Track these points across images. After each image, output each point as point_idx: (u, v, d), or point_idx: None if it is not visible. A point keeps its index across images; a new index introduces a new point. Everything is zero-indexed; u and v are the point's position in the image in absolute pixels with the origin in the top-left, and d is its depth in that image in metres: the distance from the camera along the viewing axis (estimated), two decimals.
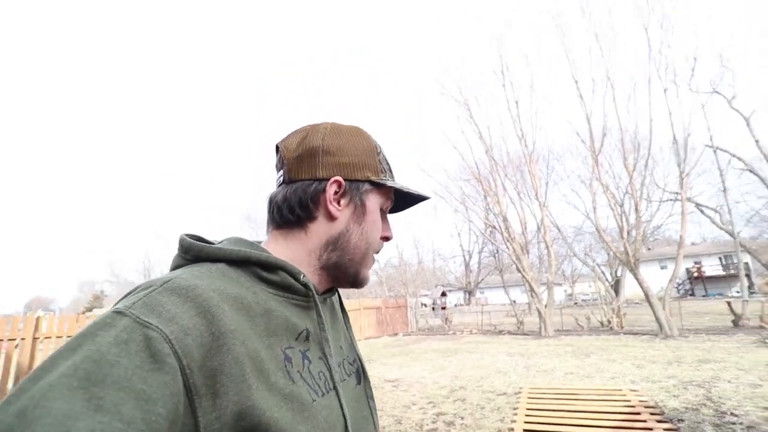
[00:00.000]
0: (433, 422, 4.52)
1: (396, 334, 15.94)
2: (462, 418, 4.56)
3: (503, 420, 4.37)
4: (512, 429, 3.98)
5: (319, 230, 0.58)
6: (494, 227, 13.61)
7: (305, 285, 0.54)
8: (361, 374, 0.63)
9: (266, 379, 0.43)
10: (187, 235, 0.54)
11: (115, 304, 0.41)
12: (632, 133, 11.63)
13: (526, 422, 4.08)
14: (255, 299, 0.48)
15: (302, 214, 0.58)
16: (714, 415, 3.98)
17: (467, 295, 37.73)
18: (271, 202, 0.60)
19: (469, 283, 36.44)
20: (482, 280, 36.53)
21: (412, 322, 17.67)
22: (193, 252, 0.52)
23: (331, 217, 0.58)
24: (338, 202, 0.58)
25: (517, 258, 12.76)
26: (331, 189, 0.57)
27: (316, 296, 0.55)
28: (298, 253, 0.58)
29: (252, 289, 0.49)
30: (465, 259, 37.41)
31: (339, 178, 0.58)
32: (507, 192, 13.75)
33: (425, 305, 23.99)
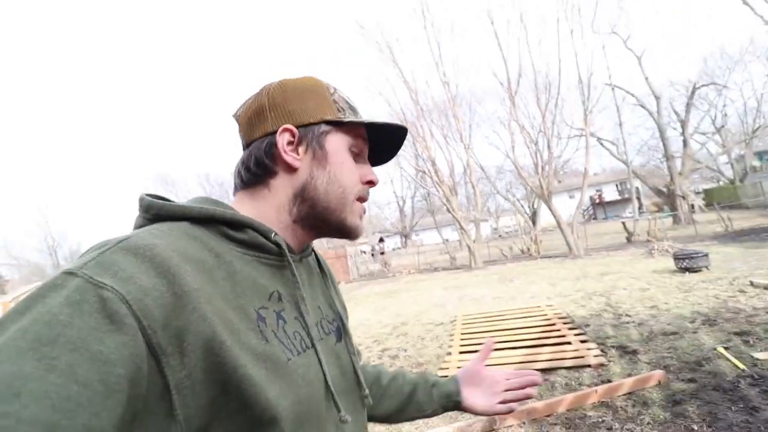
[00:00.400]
0: (379, 358, 4.84)
1: (338, 283, 16.27)
2: (405, 351, 4.94)
3: (441, 347, 4.81)
4: (449, 353, 4.40)
5: (283, 184, 0.56)
6: (424, 172, 14.00)
7: (277, 244, 0.52)
8: (341, 332, 0.62)
9: (237, 339, 0.41)
10: (147, 194, 0.50)
11: (66, 266, 0.38)
12: (544, 74, 12.29)
13: (461, 346, 4.53)
14: (218, 261, 0.45)
15: (260, 171, 0.55)
16: (613, 318, 4.73)
17: (404, 239, 39.29)
18: (234, 169, 0.58)
19: (405, 227, 37.84)
20: (416, 223, 38.10)
21: (352, 270, 18.14)
22: (154, 210, 0.48)
23: (290, 168, 0.55)
24: (296, 151, 0.55)
25: (446, 199, 13.39)
26: (282, 138, 0.54)
27: (289, 255, 0.53)
28: (264, 211, 0.55)
29: (216, 249, 0.46)
30: (399, 204, 38.47)
31: (289, 125, 0.55)
32: (434, 137, 14.07)
33: (365, 252, 24.62)
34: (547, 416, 2.69)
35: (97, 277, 0.35)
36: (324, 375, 0.51)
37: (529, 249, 13.95)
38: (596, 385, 3.00)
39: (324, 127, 0.57)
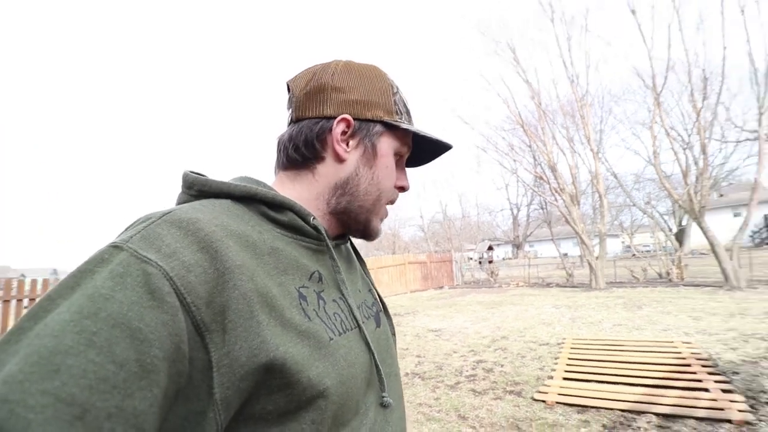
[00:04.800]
0: (473, 369, 4.66)
1: (441, 288, 16.21)
2: (501, 366, 4.66)
3: (543, 368, 4.41)
4: (551, 377, 4.01)
5: (327, 172, 0.55)
6: (542, 178, 12.96)
7: (315, 228, 0.52)
8: (380, 318, 0.62)
9: (280, 315, 0.41)
10: (191, 171, 0.51)
11: (113, 239, 0.39)
12: (701, 66, 10.25)
13: (566, 371, 4.08)
14: (261, 237, 0.46)
15: (308, 153, 0.55)
16: None
17: (515, 249, 37.08)
18: (279, 142, 0.58)
19: (517, 236, 35.66)
20: (531, 233, 35.57)
21: (457, 275, 17.80)
22: (197, 186, 0.49)
23: (339, 159, 0.55)
24: (347, 143, 0.55)
25: (566, 209, 12.19)
26: (338, 128, 0.54)
27: (329, 240, 0.53)
28: (305, 195, 0.55)
29: (258, 227, 0.47)
30: (512, 212, 36.42)
31: (347, 116, 0.54)
32: (556, 140, 12.91)
33: (472, 259, 23.97)
34: None
35: (141, 251, 0.35)
36: (372, 354, 0.51)
37: (669, 273, 11.85)
38: None
39: (379, 127, 0.57)
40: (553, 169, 12.53)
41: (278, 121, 0.63)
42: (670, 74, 10.86)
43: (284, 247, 0.48)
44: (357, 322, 0.51)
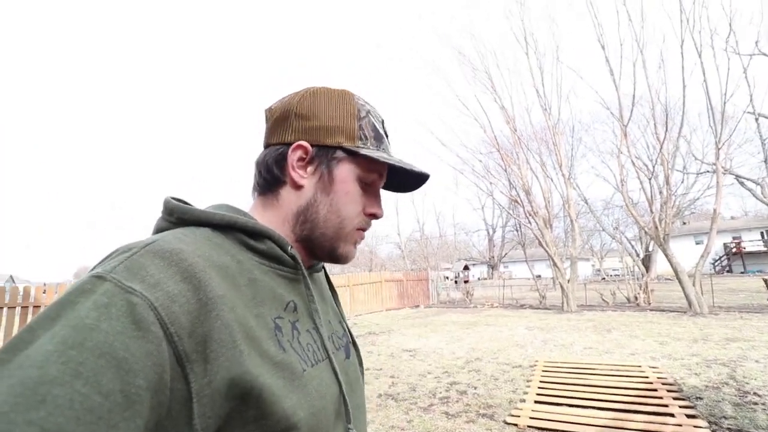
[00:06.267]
0: (447, 390, 4.62)
1: (417, 306, 16.17)
2: (475, 388, 4.64)
3: (515, 391, 4.42)
4: (524, 400, 4.02)
5: (289, 199, 0.56)
6: (517, 201, 13.29)
7: (293, 257, 0.52)
8: (349, 349, 0.62)
9: (257, 346, 0.41)
10: (171, 197, 0.52)
11: (92, 269, 0.38)
12: (663, 101, 10.89)
13: (538, 394, 4.11)
14: (240, 268, 0.46)
15: (270, 179, 0.56)
16: (735, 395, 3.88)
17: (491, 269, 37.55)
18: (255, 166, 0.59)
19: (493, 257, 36.19)
20: (506, 254, 36.20)
21: (433, 294, 17.82)
22: (177, 214, 0.49)
23: (295, 186, 0.55)
24: (304, 170, 0.55)
25: (540, 232, 12.50)
26: (294, 154, 0.54)
27: (304, 269, 0.53)
28: (274, 221, 0.56)
29: (237, 257, 0.47)
30: (488, 233, 37.03)
31: (303, 142, 0.54)
32: (530, 165, 13.33)
33: (448, 278, 24.07)
34: None
35: (126, 282, 0.35)
36: (340, 386, 0.51)
37: (636, 298, 12.24)
38: None
39: (339, 153, 0.55)
40: (528, 193, 12.89)
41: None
42: (636, 108, 11.49)
43: (262, 277, 0.48)
44: (327, 353, 0.52)
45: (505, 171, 13.65)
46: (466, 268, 27.33)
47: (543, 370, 4.95)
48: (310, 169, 0.55)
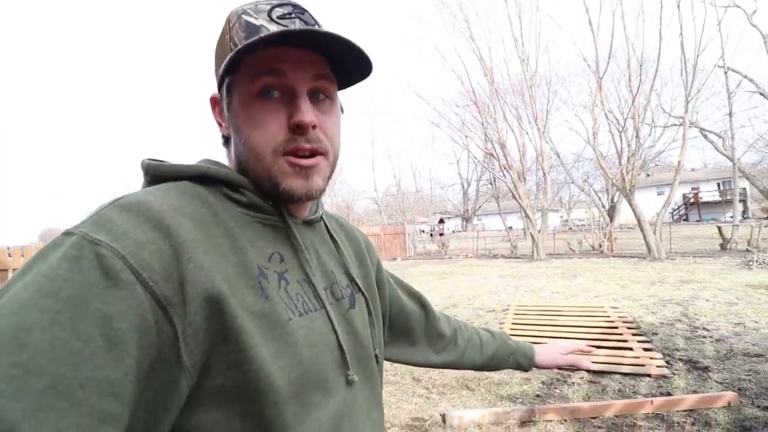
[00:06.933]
0: None
1: (394, 259, 16.58)
2: None
3: None
4: None
5: (230, 152, 0.55)
6: (492, 155, 13.43)
7: (275, 206, 0.51)
8: (354, 299, 0.59)
9: (235, 295, 0.41)
10: (148, 158, 0.50)
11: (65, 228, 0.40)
12: (639, 54, 10.94)
13: (510, 335, 4.40)
14: (216, 218, 0.45)
15: (221, 137, 0.56)
16: (687, 330, 4.28)
17: (465, 222, 38.54)
18: None
19: (467, 210, 37.02)
20: (480, 207, 37.06)
21: (410, 247, 18.26)
22: (152, 172, 0.49)
23: (227, 139, 0.55)
24: (222, 118, 0.54)
25: (513, 185, 12.80)
26: (213, 109, 0.55)
27: (288, 218, 0.52)
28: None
29: (215, 207, 0.46)
30: (463, 187, 37.59)
31: (213, 93, 0.54)
32: (506, 119, 13.37)
33: (424, 231, 24.61)
34: (593, 418, 2.55)
35: (93, 234, 0.36)
36: (336, 335, 0.50)
37: (600, 245, 12.97)
38: (654, 396, 2.77)
39: (226, 80, 0.50)
40: (503, 146, 13.01)
41: None
42: (612, 60, 11.52)
43: (243, 227, 0.47)
44: (322, 302, 0.50)
45: (482, 124, 13.66)
46: (441, 221, 27.94)
47: (515, 314, 5.28)
48: (225, 115, 0.53)
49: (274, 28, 0.46)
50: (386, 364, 3.92)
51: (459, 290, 7.87)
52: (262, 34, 0.45)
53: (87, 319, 0.32)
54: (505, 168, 13.04)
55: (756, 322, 4.34)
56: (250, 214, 0.49)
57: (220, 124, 0.54)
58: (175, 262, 0.38)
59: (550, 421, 2.57)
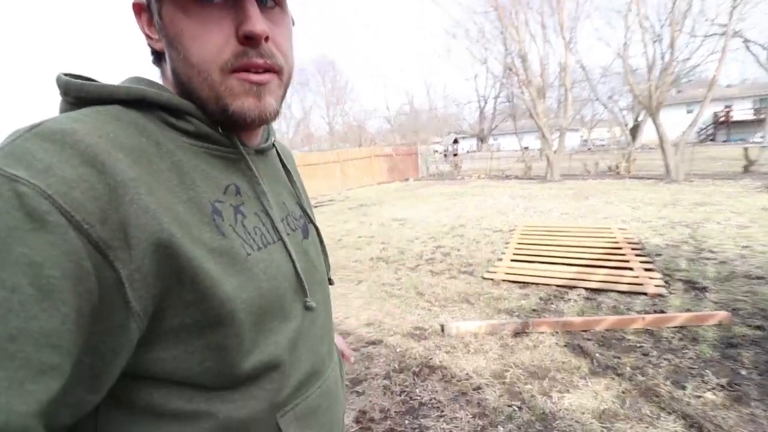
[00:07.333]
0: (432, 253, 5.05)
1: (407, 180, 16.57)
2: (458, 250, 5.07)
3: (494, 252, 4.85)
4: (500, 259, 4.44)
5: (164, 70, 0.48)
6: (511, 69, 12.52)
7: (226, 135, 0.46)
8: (308, 229, 0.59)
9: (188, 233, 0.38)
10: (64, 73, 0.42)
11: None
12: None
13: (514, 254, 4.52)
14: (159, 150, 0.40)
15: (150, 51, 0.48)
16: (692, 251, 4.31)
17: (480, 142, 37.55)
18: None
19: (482, 130, 35.77)
20: (496, 126, 35.72)
21: (422, 168, 18.12)
22: (73, 92, 0.41)
23: (158, 52, 0.47)
24: (152, 29, 0.46)
25: (532, 103, 12.13)
26: (139, 19, 0.46)
27: (242, 147, 0.48)
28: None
29: (157, 137, 0.41)
30: (479, 105, 35.88)
31: None
32: (529, 28, 12.19)
33: (437, 152, 24.18)
34: (584, 331, 2.70)
35: (9, 169, 0.31)
36: (294, 266, 0.50)
37: (618, 166, 12.62)
38: (647, 314, 2.89)
39: None
40: (524, 59, 12.07)
41: None
42: None
43: (191, 159, 0.43)
44: (279, 234, 0.49)
45: (501, 34, 12.52)
46: (455, 141, 27.23)
47: (521, 234, 5.35)
48: (156, 25, 0.45)
49: None
50: (393, 281, 4.13)
51: (469, 211, 7.93)
52: None
53: (12, 267, 0.29)
54: (524, 84, 12.25)
55: (765, 246, 4.32)
56: (198, 144, 0.44)
57: (149, 37, 0.46)
58: (114, 203, 0.34)
59: (543, 332, 2.73)
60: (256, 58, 0.43)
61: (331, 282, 0.65)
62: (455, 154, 22.08)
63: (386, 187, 14.34)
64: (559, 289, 3.54)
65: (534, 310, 3.17)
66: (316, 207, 10.31)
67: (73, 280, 0.31)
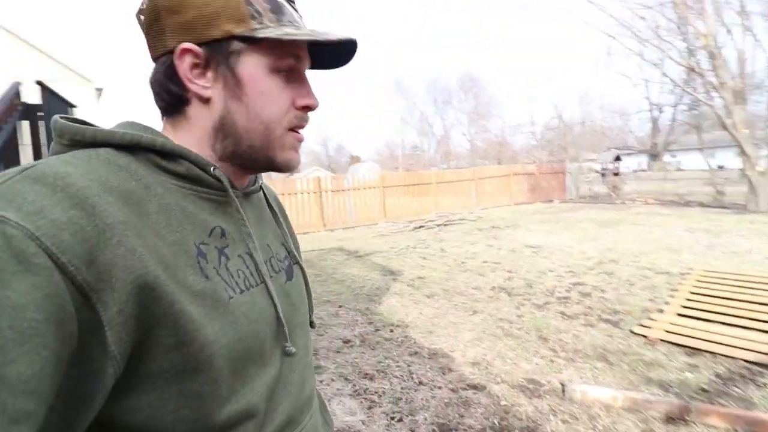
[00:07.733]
0: (567, 291, 4.34)
1: (551, 201, 15.10)
2: (602, 291, 4.23)
3: (654, 300, 3.87)
4: (662, 310, 3.50)
5: (200, 116, 0.49)
6: (693, 69, 10.17)
7: (217, 178, 0.48)
8: (292, 271, 0.60)
9: (172, 275, 0.39)
10: (62, 116, 0.46)
11: None
12: None
13: (683, 306, 3.51)
14: (147, 193, 0.42)
15: (170, 99, 0.49)
16: None
17: (652, 160, 31.78)
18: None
19: (655, 144, 30.18)
20: (674, 140, 29.70)
21: (570, 188, 16.28)
22: (68, 135, 0.43)
23: (202, 99, 0.48)
24: (203, 77, 0.47)
25: (725, 111, 9.59)
26: (182, 63, 0.46)
27: (232, 191, 0.49)
28: (188, 144, 0.49)
29: (146, 180, 0.42)
30: (653, 115, 30.41)
31: (188, 44, 0.45)
32: (722, 17, 9.72)
33: (595, 171, 21.38)
34: None
35: None
36: (276, 309, 0.50)
37: None
38: None
39: (235, 45, 0.46)
40: (714, 57, 9.67)
41: None
42: None
43: (179, 201, 0.44)
44: (263, 277, 0.51)
45: (678, 28, 10.28)
46: (617, 158, 23.64)
47: (697, 280, 4.14)
48: (210, 75, 0.47)
49: (288, 18, 0.49)
50: (513, 317, 3.66)
51: (624, 243, 6.63)
52: (289, 23, 0.48)
53: None
54: (713, 87, 9.81)
55: None
56: (187, 186, 0.46)
57: (192, 82, 0.47)
58: (102, 245, 0.34)
59: (713, 427, 1.97)
60: (304, 122, 0.53)
61: (312, 325, 0.65)
62: (616, 174, 19.13)
63: (525, 209, 13.27)
64: (749, 365, 2.56)
65: (704, 389, 2.34)
66: (445, 225, 10.13)
67: (55, 324, 0.31)
